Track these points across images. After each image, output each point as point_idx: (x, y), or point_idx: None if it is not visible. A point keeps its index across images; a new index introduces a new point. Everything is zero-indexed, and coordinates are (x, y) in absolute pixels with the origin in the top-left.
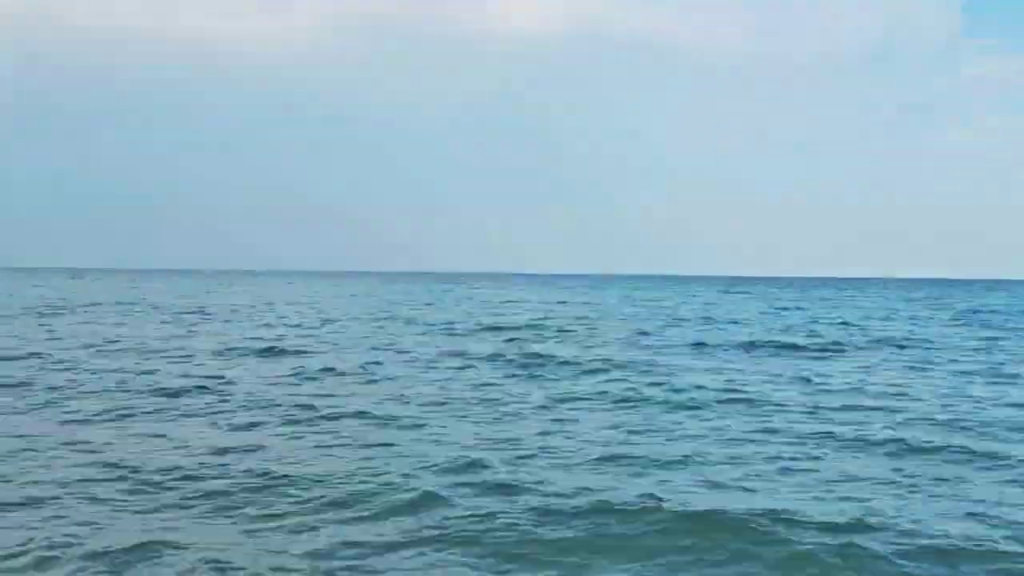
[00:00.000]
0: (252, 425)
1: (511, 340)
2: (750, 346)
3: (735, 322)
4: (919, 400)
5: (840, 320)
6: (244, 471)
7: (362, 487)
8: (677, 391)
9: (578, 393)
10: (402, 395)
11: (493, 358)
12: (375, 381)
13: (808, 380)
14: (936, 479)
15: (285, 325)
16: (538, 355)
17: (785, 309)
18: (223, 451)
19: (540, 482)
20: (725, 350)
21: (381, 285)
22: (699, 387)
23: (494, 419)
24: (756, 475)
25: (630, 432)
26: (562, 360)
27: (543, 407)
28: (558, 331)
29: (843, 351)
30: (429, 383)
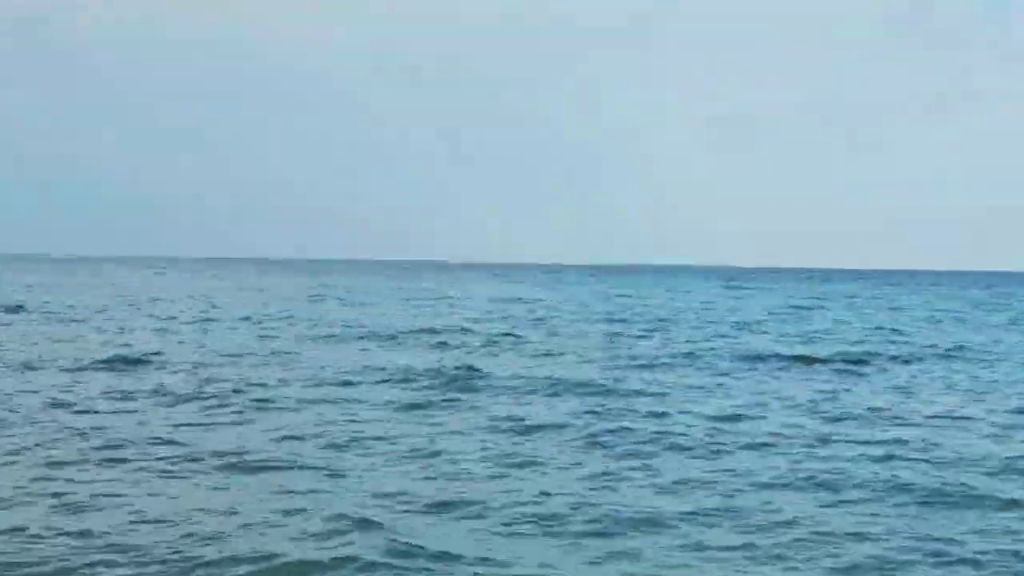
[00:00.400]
0: (82, 466)
1: (442, 347)
2: (756, 358)
3: (739, 325)
4: (969, 432)
5: (875, 325)
6: (64, 533)
7: (215, 557)
8: (656, 418)
9: (524, 424)
10: (284, 427)
11: (416, 375)
12: (253, 407)
13: (829, 404)
14: (993, 543)
15: (150, 328)
16: (475, 370)
17: (803, 308)
18: (33, 503)
19: (459, 549)
20: (723, 363)
21: (303, 276)
22: (685, 414)
23: (406, 462)
24: (751, 539)
25: (589, 479)
26: (505, 377)
27: (473, 445)
28: (506, 336)
29: (876, 365)
30: (322, 407)
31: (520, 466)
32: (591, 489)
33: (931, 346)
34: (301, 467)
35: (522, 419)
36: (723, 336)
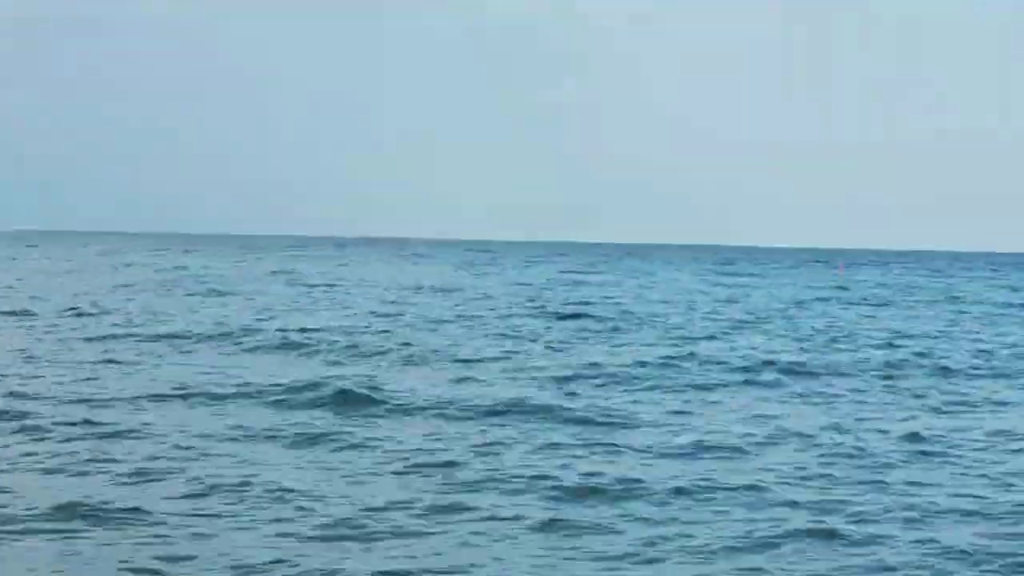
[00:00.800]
0: None
1: (328, 353)
2: (751, 368)
3: (733, 323)
4: None
5: (912, 323)
6: None
7: None
8: (611, 455)
9: (440, 460)
10: (123, 462)
11: (296, 392)
12: (77, 434)
13: (847, 434)
14: None
15: None
16: (372, 386)
17: (818, 300)
18: None
19: None
20: (708, 375)
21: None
22: (651, 447)
23: (290, 515)
24: None
25: (523, 537)
26: (413, 397)
27: (375, 488)
28: (416, 338)
29: (911, 379)
30: (170, 436)
31: (432, 514)
32: (528, 555)
33: (984, 351)
34: (145, 523)
35: (435, 453)
36: (711, 338)
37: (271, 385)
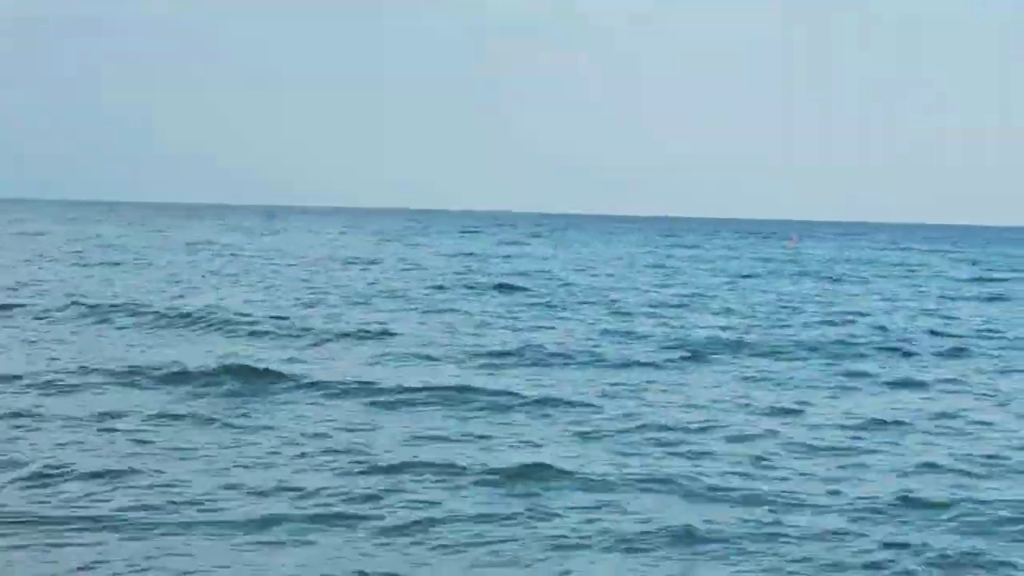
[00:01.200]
0: None
1: (221, 330)
2: (698, 344)
3: (682, 299)
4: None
5: (864, 299)
6: None
7: None
8: (541, 439)
9: (359, 449)
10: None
11: (188, 374)
12: None
13: (789, 419)
14: None
15: None
16: (273, 370)
17: (770, 274)
18: None
19: None
20: (648, 353)
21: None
22: (567, 435)
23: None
24: None
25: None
26: (318, 381)
27: (277, 473)
28: (329, 314)
29: (856, 356)
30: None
31: (345, 504)
32: (452, 545)
33: (938, 330)
34: (38, 522)
35: (346, 436)
36: (652, 313)
37: (172, 363)
